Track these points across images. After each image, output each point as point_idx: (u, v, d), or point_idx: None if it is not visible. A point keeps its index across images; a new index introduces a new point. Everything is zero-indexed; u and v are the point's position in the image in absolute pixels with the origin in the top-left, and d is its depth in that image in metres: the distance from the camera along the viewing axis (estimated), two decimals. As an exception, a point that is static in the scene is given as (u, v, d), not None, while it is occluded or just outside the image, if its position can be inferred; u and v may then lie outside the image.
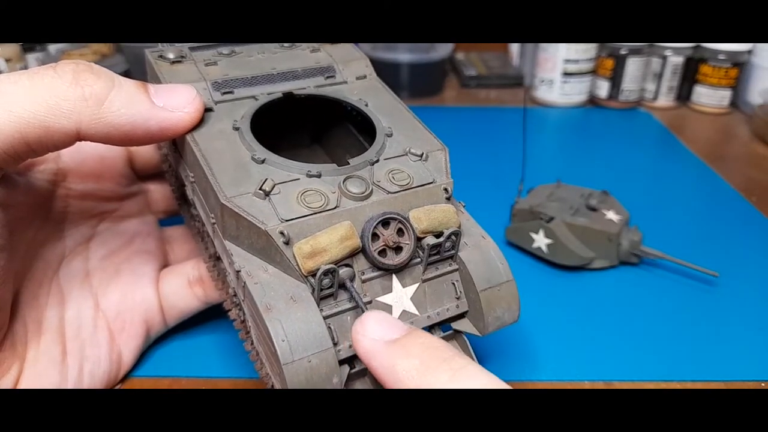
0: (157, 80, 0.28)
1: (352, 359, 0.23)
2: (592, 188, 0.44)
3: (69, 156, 0.29)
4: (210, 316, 0.34)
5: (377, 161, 0.26)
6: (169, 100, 0.24)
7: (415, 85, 0.74)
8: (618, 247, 0.40)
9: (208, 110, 0.26)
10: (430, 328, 0.25)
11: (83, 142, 0.24)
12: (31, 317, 0.27)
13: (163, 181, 0.35)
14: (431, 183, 0.25)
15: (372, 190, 0.24)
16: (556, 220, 0.40)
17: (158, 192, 0.34)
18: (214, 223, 0.24)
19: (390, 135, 0.27)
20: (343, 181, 0.24)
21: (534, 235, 0.40)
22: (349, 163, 0.25)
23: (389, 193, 0.24)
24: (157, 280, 0.32)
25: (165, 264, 0.33)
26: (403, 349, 0.19)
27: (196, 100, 0.25)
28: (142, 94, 0.23)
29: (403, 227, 0.24)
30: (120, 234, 0.32)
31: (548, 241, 0.40)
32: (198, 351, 0.33)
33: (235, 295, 0.25)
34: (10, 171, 0.25)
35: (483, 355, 0.33)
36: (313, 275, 0.22)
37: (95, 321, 0.29)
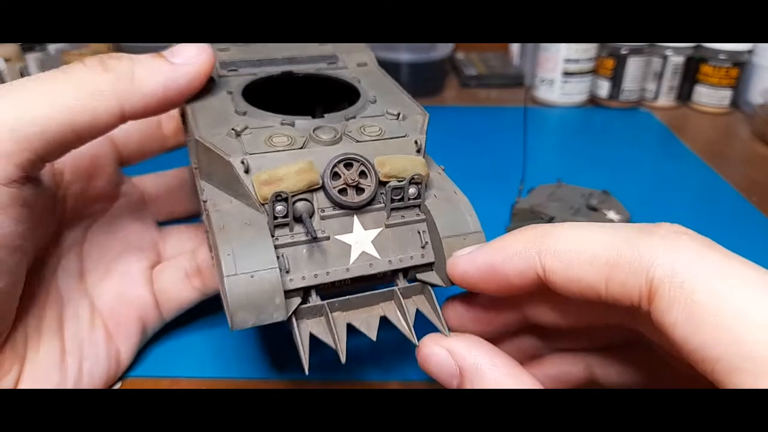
0: None
1: (306, 293, 0.23)
2: (593, 188, 0.44)
3: (65, 156, 0.29)
4: (210, 316, 0.34)
5: (353, 118, 0.26)
6: (184, 54, 0.26)
7: (415, 85, 0.73)
8: (618, 247, 0.40)
9: (210, 80, 0.28)
10: (392, 275, 0.25)
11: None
12: (32, 319, 0.27)
13: (160, 182, 0.35)
14: (403, 136, 0.25)
15: (341, 138, 0.25)
16: (556, 219, 0.40)
17: (154, 193, 0.35)
18: (196, 168, 0.25)
19: (373, 102, 0.28)
20: (314, 130, 0.25)
21: (534, 235, 0.40)
22: (324, 117, 0.26)
23: (358, 141, 0.25)
24: (150, 277, 0.32)
25: (158, 261, 0.33)
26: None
27: (206, 47, 0.26)
28: (160, 59, 0.25)
29: (365, 170, 0.24)
30: (112, 234, 0.32)
31: (549, 241, 0.40)
32: (198, 351, 0.33)
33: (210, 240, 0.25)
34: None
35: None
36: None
37: (92, 320, 0.29)
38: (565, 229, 0.20)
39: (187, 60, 0.26)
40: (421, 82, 0.74)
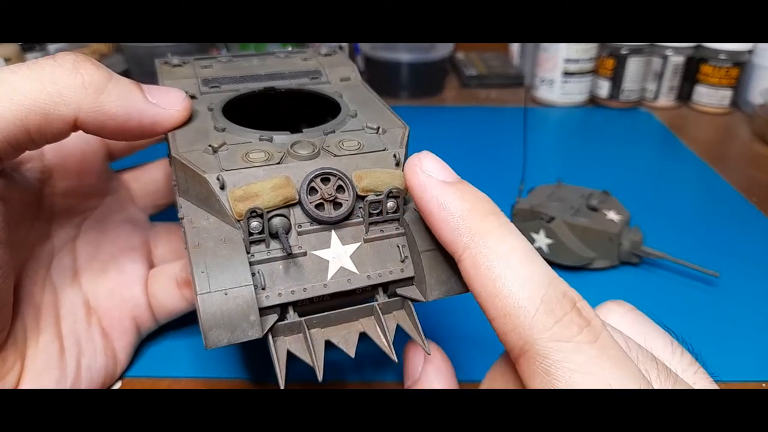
0: (159, 83, 0.30)
1: (284, 310, 0.23)
2: (593, 188, 0.44)
3: (53, 153, 0.29)
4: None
5: (332, 132, 0.26)
6: (161, 99, 0.25)
7: (415, 85, 0.74)
8: (619, 247, 0.40)
9: (191, 97, 0.28)
10: (371, 290, 0.24)
11: (65, 139, 0.24)
12: (29, 315, 0.27)
13: (146, 176, 0.35)
14: (382, 150, 0.25)
15: (319, 152, 0.24)
16: (556, 220, 0.40)
17: (142, 187, 0.35)
18: (175, 185, 0.25)
19: (354, 116, 0.28)
20: (292, 145, 0.24)
21: (534, 235, 0.40)
22: (302, 131, 0.26)
23: (336, 156, 0.24)
24: (145, 278, 0.32)
25: (150, 260, 0.33)
26: (458, 192, 0.20)
27: (186, 100, 0.26)
28: (137, 90, 0.24)
29: (343, 184, 0.23)
30: (104, 231, 0.32)
31: (549, 241, 0.40)
32: (198, 351, 0.33)
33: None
34: (8, 164, 0.26)
35: (483, 356, 0.33)
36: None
37: (88, 317, 0.29)
38: (507, 239, 0.19)
39: (163, 104, 0.25)
40: (421, 82, 0.74)
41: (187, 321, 0.33)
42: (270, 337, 0.22)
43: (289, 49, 0.36)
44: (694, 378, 0.20)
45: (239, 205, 0.22)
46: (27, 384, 0.26)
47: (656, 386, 0.18)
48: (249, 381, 0.31)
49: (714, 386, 0.19)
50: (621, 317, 0.22)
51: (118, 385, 0.30)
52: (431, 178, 0.20)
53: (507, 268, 0.18)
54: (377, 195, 0.23)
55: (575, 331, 0.17)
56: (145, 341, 0.33)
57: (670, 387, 0.18)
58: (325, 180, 0.23)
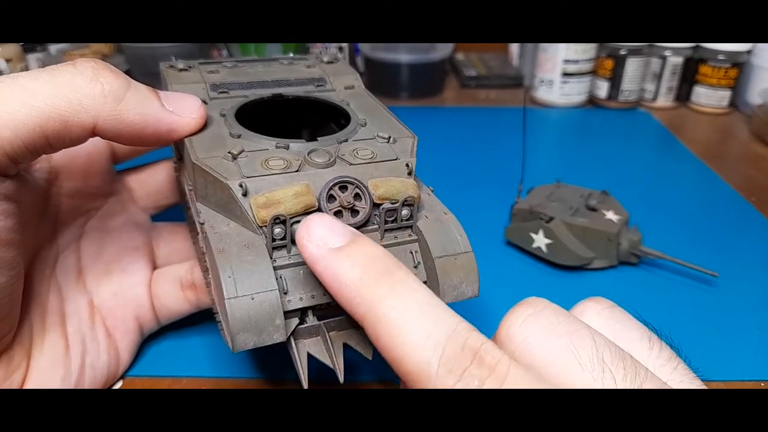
0: (165, 86, 0.30)
1: (305, 314, 0.23)
2: (592, 188, 0.44)
3: (60, 154, 0.29)
4: (210, 316, 0.34)
5: (345, 141, 0.27)
6: (177, 106, 0.25)
7: (415, 86, 0.74)
8: (617, 247, 0.40)
9: (203, 103, 0.28)
10: None
11: None
12: (36, 315, 0.27)
13: (148, 177, 0.35)
14: (394, 159, 0.26)
15: (335, 161, 0.25)
16: (555, 220, 0.40)
17: (143, 188, 0.35)
18: (191, 190, 0.26)
19: (364, 125, 0.28)
20: (309, 153, 0.25)
21: (534, 235, 0.41)
22: (317, 140, 0.26)
23: (351, 164, 0.25)
24: (148, 278, 0.32)
25: (153, 260, 0.33)
26: (348, 258, 0.19)
27: (201, 107, 0.26)
28: (154, 97, 0.25)
29: (360, 192, 0.24)
30: (107, 231, 0.32)
31: (548, 241, 0.40)
32: (199, 350, 0.33)
33: (206, 261, 0.25)
34: (23, 168, 0.26)
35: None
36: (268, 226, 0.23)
37: (92, 316, 0.29)
38: (401, 300, 0.18)
39: (179, 111, 0.25)
40: (421, 83, 0.74)
41: (187, 321, 0.34)
42: (292, 340, 0.23)
43: (291, 55, 0.36)
44: (673, 374, 0.19)
45: (262, 211, 0.22)
46: (32, 382, 0.26)
47: (621, 386, 0.18)
48: (249, 380, 0.31)
49: (696, 381, 0.19)
50: (597, 314, 0.22)
51: (118, 385, 0.31)
52: (320, 247, 0.20)
53: (404, 332, 0.18)
54: (393, 203, 0.24)
55: (476, 385, 0.17)
56: (145, 340, 0.33)
57: (637, 386, 0.17)
58: (343, 188, 0.24)
